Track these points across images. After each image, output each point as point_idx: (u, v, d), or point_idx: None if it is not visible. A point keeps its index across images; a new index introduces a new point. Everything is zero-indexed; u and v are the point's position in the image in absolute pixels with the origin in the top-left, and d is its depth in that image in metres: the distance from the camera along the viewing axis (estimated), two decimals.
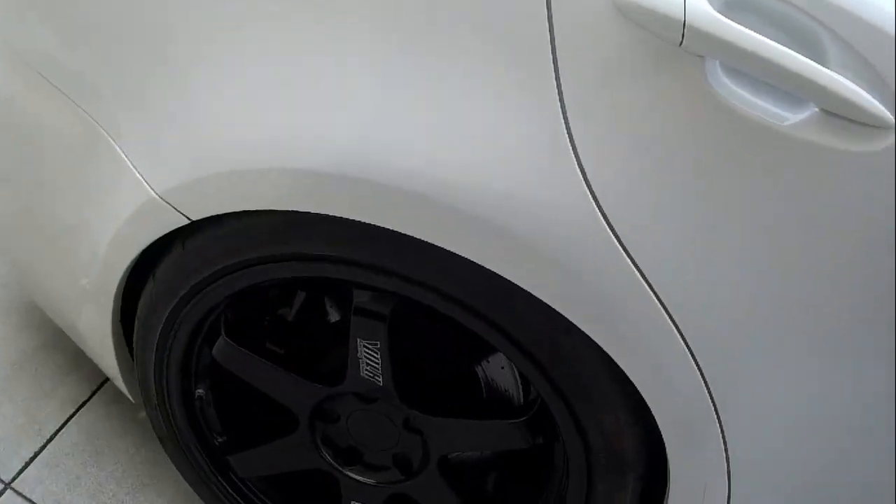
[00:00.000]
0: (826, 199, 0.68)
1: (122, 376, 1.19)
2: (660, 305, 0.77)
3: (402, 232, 0.80)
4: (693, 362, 0.80)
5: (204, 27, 0.80)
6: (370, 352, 1.00)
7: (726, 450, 0.88)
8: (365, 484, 1.16)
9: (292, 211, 0.83)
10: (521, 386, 1.13)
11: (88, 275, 1.05)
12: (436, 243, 0.79)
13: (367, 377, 1.03)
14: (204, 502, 1.28)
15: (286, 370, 1.06)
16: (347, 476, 1.16)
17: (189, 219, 0.89)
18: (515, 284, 0.78)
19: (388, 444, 1.13)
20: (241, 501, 1.23)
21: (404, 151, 0.75)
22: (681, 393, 0.83)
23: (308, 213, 0.83)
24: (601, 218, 0.72)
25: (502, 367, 1.14)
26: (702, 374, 0.80)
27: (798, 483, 0.98)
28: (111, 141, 0.91)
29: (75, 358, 1.50)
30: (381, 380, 1.03)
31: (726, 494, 0.96)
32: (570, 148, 0.70)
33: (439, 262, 0.83)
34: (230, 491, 1.22)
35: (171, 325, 1.02)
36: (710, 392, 0.82)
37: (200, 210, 0.87)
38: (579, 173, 0.70)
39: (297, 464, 1.18)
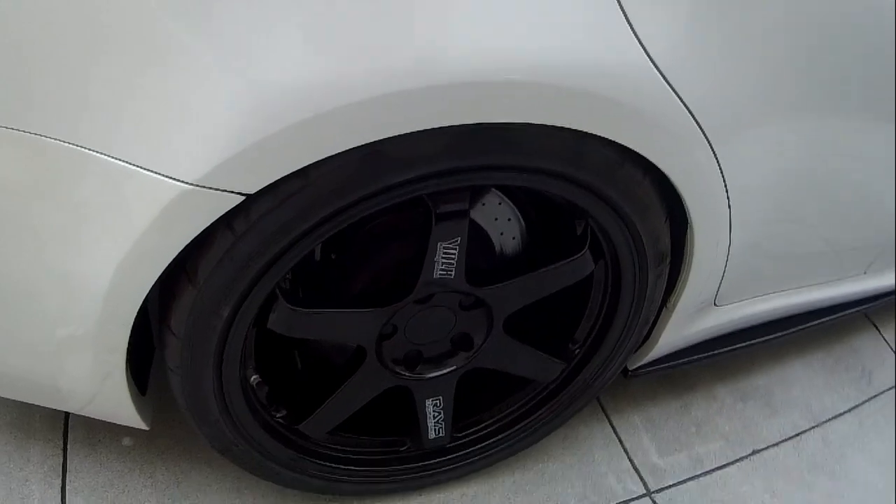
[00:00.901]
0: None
1: (137, 409, 1.01)
2: (689, 114, 0.95)
3: (497, 122, 0.80)
4: (713, 154, 1.02)
5: None
6: (449, 250, 0.94)
7: (730, 209, 1.14)
8: (438, 377, 1.14)
9: (370, 144, 0.74)
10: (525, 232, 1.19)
11: (73, 322, 0.86)
12: (523, 121, 0.82)
13: (440, 277, 0.98)
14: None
15: (352, 309, 0.97)
16: (419, 379, 1.13)
17: (244, 195, 0.73)
18: (588, 136, 0.87)
19: (445, 333, 1.12)
20: (329, 464, 1.17)
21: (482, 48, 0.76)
22: (703, 180, 1.05)
23: (388, 140, 0.75)
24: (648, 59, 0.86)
25: (509, 220, 1.14)
26: (717, 160, 1.04)
27: (781, 229, 1.35)
28: (101, 156, 0.73)
29: (19, 430, 1.25)
30: (453, 273, 0.98)
31: (727, 244, 1.22)
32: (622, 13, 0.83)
33: (521, 141, 0.85)
34: (314, 460, 1.15)
35: (230, 324, 0.87)
36: (722, 172, 1.06)
37: (260, 178, 0.72)
38: (631, 33, 0.84)
39: (369, 395, 1.12)
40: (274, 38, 0.68)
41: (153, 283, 0.80)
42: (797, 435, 1.78)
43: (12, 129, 0.71)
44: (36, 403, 1.08)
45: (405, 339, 1.08)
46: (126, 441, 1.30)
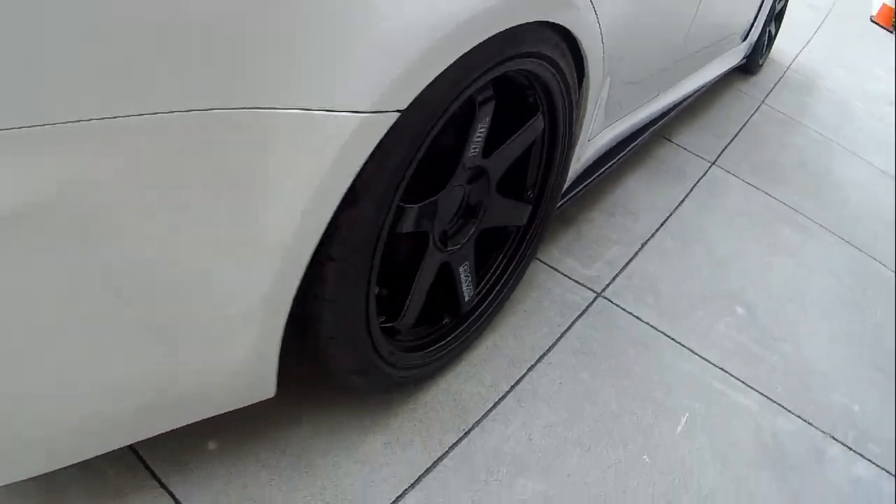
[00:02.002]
0: None
1: (276, 373, 1.15)
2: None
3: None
4: (595, 13, 1.51)
5: None
6: (481, 131, 1.32)
7: (604, 52, 1.64)
8: (464, 245, 1.52)
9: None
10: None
11: (246, 295, 1.01)
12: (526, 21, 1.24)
13: (471, 155, 1.35)
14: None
15: (433, 197, 1.31)
16: (455, 251, 1.50)
17: (399, 111, 1.02)
18: (545, 24, 1.32)
19: (459, 208, 1.49)
20: (413, 354, 1.48)
21: None
22: (592, 35, 1.54)
23: (479, 44, 1.11)
24: None
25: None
26: (597, 17, 1.53)
27: (632, 61, 1.93)
28: (281, 111, 0.91)
29: (105, 496, 1.27)
30: (478, 150, 1.36)
31: (601, 80, 1.70)
32: None
33: (523, 34, 1.26)
34: (406, 353, 1.46)
35: (379, 234, 1.14)
36: (599, 25, 1.55)
37: (411, 92, 1.02)
38: None
39: (431, 277, 1.45)
40: None
41: (329, 218, 1.02)
42: (662, 224, 2.43)
43: (190, 110, 0.83)
44: (161, 431, 1.11)
45: (439, 222, 1.44)
46: (211, 445, 1.39)
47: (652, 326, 2.00)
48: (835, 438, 1.93)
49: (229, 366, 1.10)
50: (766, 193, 2.94)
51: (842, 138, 3.90)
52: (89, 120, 0.79)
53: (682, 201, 2.62)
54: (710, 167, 2.94)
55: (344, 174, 1.02)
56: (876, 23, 7.49)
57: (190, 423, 1.15)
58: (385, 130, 1.03)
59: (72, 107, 0.78)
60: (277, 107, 0.92)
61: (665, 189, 2.66)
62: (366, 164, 1.05)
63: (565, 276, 2.06)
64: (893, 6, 7.34)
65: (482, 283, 1.69)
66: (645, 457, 1.66)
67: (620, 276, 2.14)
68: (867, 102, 4.76)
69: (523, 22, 1.21)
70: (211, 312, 1.02)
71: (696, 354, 1.98)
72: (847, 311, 2.43)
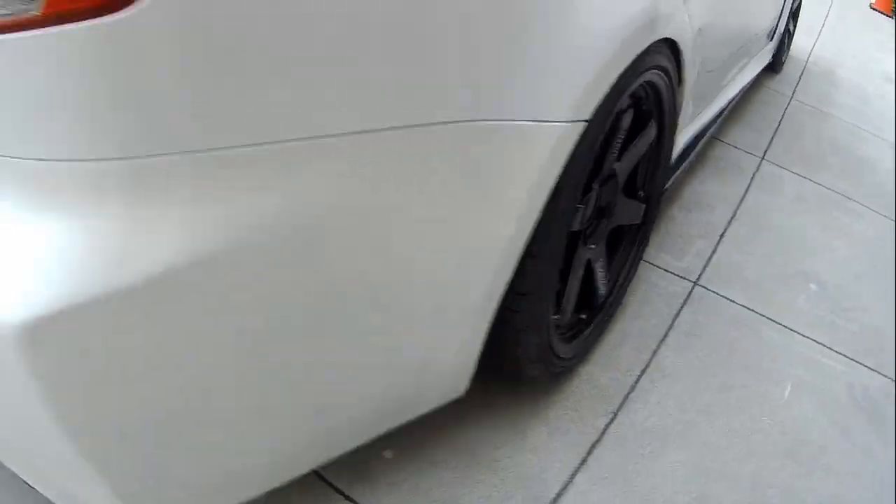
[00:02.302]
0: None
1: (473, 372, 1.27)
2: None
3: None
4: (688, 18, 1.67)
5: None
6: (621, 137, 1.52)
7: (693, 48, 1.81)
8: (600, 242, 1.72)
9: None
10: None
11: (466, 297, 1.12)
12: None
13: (613, 160, 1.56)
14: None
15: (583, 198, 1.50)
16: (594, 248, 1.69)
17: (587, 121, 1.20)
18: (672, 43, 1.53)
19: (594, 209, 1.69)
20: (566, 344, 1.65)
21: None
22: (687, 36, 1.71)
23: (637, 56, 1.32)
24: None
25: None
26: (689, 19, 1.69)
27: (711, 53, 2.12)
28: (514, 123, 1.04)
29: None
30: (616, 155, 1.57)
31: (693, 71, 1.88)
32: None
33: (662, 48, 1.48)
34: (563, 343, 1.63)
35: (564, 235, 1.32)
36: (690, 25, 1.72)
37: (593, 103, 1.20)
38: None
39: (581, 272, 1.65)
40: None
41: (537, 220, 1.17)
42: (733, 217, 2.64)
43: (447, 122, 0.92)
44: (364, 440, 1.18)
45: (584, 223, 1.64)
46: (388, 454, 1.47)
47: (746, 307, 2.20)
48: None
49: (439, 367, 1.19)
50: (814, 182, 3.15)
51: (866, 123, 4.14)
52: (361, 132, 0.87)
53: (745, 195, 2.83)
54: (760, 162, 3.16)
55: (550, 179, 1.17)
56: (876, 9, 7.77)
57: (391, 428, 1.23)
58: (577, 138, 1.20)
59: (348, 119, 0.84)
60: (514, 118, 1.03)
61: (727, 184, 2.88)
62: (563, 169, 1.20)
63: (663, 269, 2.26)
64: None
65: (608, 281, 1.89)
66: (765, 418, 1.85)
67: (709, 265, 2.34)
68: (879, 87, 5.02)
69: (661, 38, 1.41)
70: (435, 315, 1.11)
71: (788, 328, 2.18)
72: None
